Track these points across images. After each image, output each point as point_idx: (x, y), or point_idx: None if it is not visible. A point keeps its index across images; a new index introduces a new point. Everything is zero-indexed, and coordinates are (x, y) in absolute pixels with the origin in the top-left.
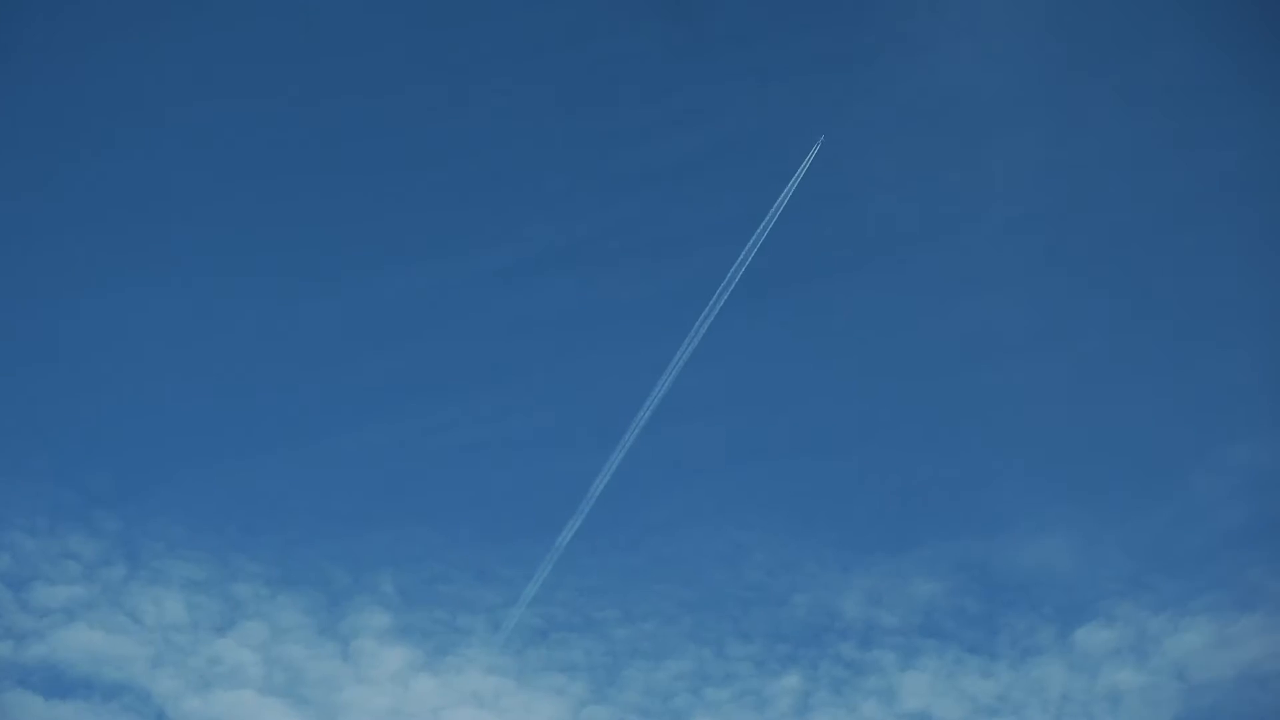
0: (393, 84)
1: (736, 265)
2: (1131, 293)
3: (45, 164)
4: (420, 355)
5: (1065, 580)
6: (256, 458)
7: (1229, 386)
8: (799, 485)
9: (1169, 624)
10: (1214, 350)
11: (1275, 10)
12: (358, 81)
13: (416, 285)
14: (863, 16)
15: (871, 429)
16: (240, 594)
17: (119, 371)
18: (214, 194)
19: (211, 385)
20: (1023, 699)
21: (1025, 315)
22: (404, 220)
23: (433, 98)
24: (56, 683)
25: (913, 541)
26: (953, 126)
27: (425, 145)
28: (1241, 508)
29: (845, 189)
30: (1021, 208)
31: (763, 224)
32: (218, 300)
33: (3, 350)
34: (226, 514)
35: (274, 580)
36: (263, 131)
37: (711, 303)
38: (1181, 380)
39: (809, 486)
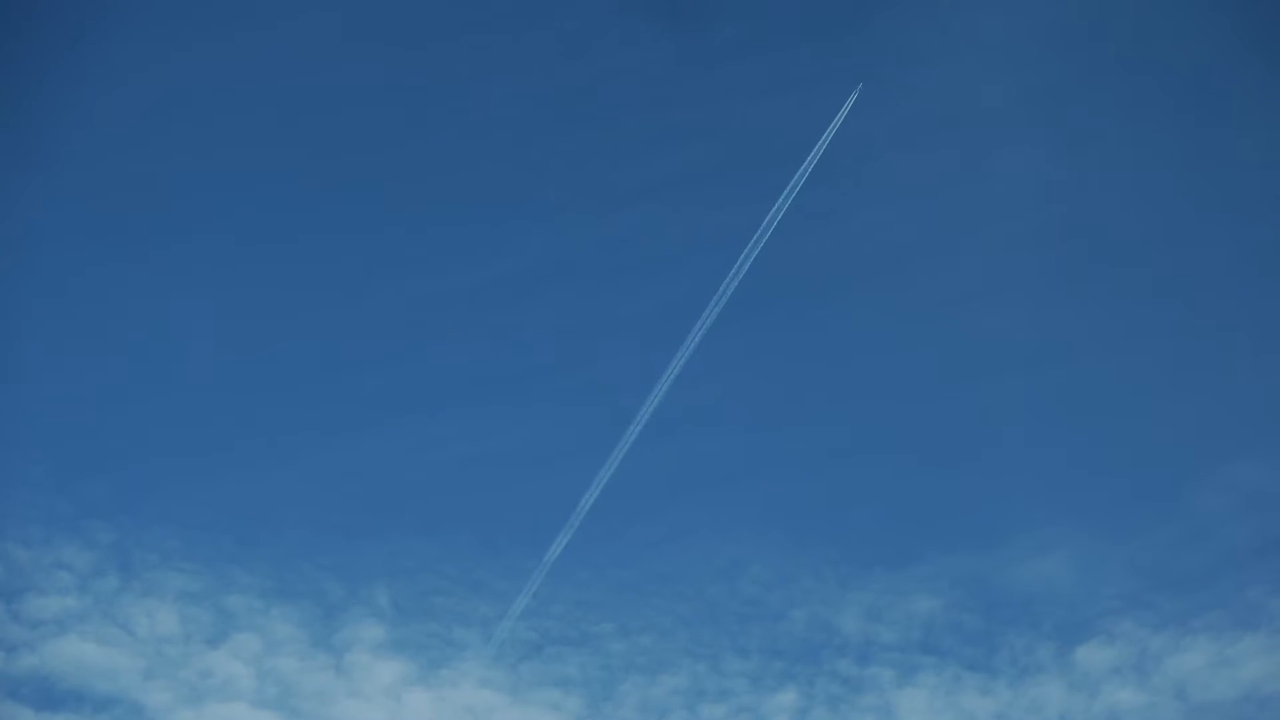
0: (387, 95)
1: (732, 277)
2: (1133, 309)
3: (43, 170)
4: (415, 367)
5: (1065, 598)
6: (251, 469)
7: (1231, 403)
8: (797, 500)
9: (1170, 643)
10: (1216, 367)
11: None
12: (352, 91)
13: (412, 297)
14: (862, 30)
15: (871, 444)
16: (233, 606)
17: (114, 382)
18: (210, 205)
19: (207, 397)
20: (1021, 717)
21: (1026, 331)
22: (399, 232)
23: (427, 109)
24: (48, 695)
25: (912, 558)
26: (953, 140)
27: (420, 157)
28: (1243, 526)
29: (843, 202)
30: (1021, 223)
31: (758, 235)
32: (213, 311)
33: None
34: (221, 526)
35: (268, 592)
36: (259, 141)
37: (707, 315)
38: (1183, 397)
39: (807, 501)
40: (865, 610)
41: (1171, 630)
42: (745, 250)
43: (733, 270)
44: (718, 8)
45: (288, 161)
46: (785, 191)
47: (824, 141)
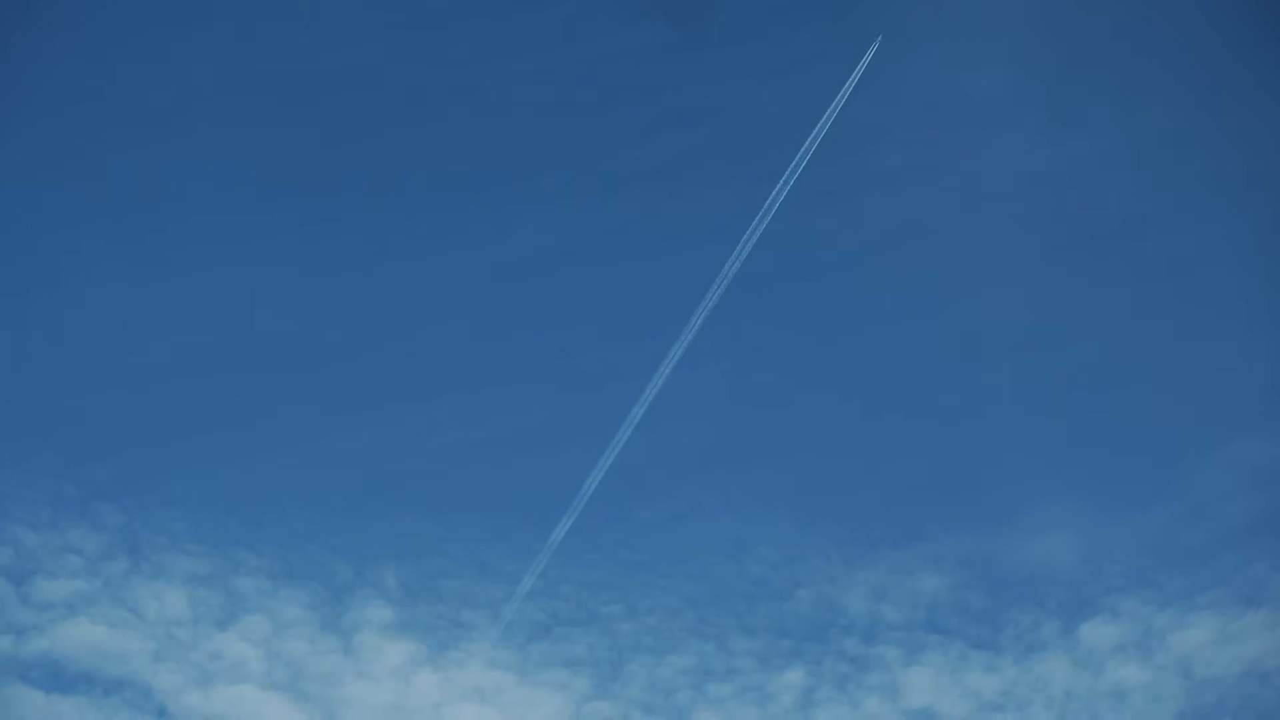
0: (384, 80)
1: (734, 259)
2: (1135, 288)
3: (45, 159)
4: (421, 351)
5: (1070, 576)
6: (259, 452)
7: (1234, 381)
8: (803, 480)
9: (1174, 620)
10: (1218, 345)
11: (1276, 8)
12: (349, 78)
13: (419, 281)
14: (860, 13)
15: (875, 424)
16: (242, 588)
17: (121, 365)
18: (213, 190)
19: (213, 379)
20: (1027, 695)
21: (1029, 311)
22: (402, 218)
23: (424, 95)
24: (57, 678)
25: (917, 536)
26: (950, 124)
27: (418, 143)
28: (1247, 503)
29: (843, 186)
30: (1021, 204)
31: (759, 217)
32: (218, 295)
33: (4, 342)
34: (229, 508)
35: (276, 574)
36: (256, 129)
37: (710, 296)
38: (1186, 375)
39: (813, 481)
40: (871, 589)
41: (1175, 607)
42: (747, 232)
43: (735, 252)
44: None
45: (290, 149)
46: (786, 173)
47: (826, 121)
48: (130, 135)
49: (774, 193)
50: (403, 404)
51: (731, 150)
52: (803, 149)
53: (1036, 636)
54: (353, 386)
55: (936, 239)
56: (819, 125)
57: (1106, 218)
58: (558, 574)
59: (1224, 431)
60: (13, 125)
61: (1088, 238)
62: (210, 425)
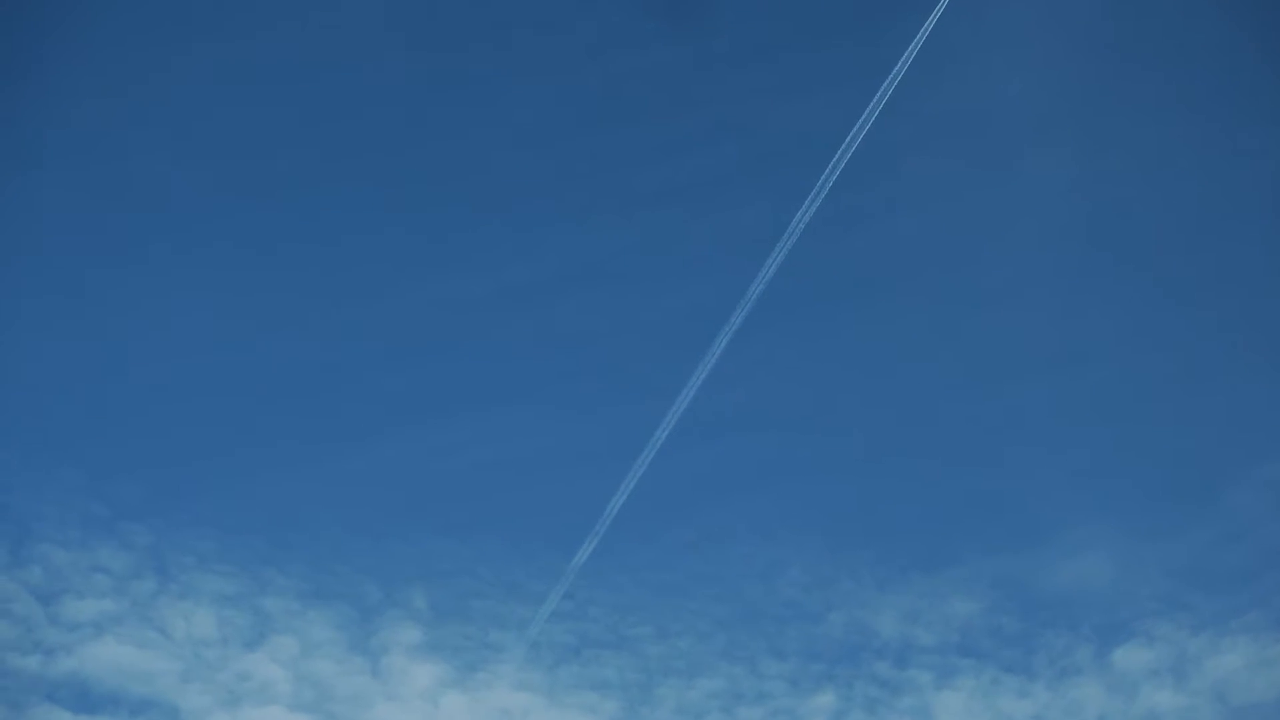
0: (412, 96)
1: (761, 279)
2: (1168, 308)
3: (66, 172)
4: (448, 370)
5: (1104, 599)
6: (288, 472)
7: (1269, 402)
8: (834, 502)
9: (1209, 644)
10: (1253, 365)
11: None
12: (377, 94)
13: (440, 300)
14: (889, 28)
15: (906, 446)
16: (271, 609)
17: (149, 384)
18: (238, 208)
19: (242, 399)
20: None
21: (1059, 331)
22: (425, 236)
23: (449, 114)
24: (85, 698)
25: (949, 560)
26: (980, 140)
27: (445, 159)
28: None
29: (870, 204)
30: (1051, 222)
31: (786, 236)
32: (246, 314)
33: (34, 362)
34: (257, 528)
35: (305, 595)
36: (283, 148)
37: (736, 317)
38: (1220, 396)
39: (844, 504)
40: (903, 613)
41: (1210, 631)
42: (774, 252)
43: (762, 271)
44: (743, 8)
45: (316, 168)
46: (813, 192)
47: (853, 139)
48: (158, 154)
49: (800, 211)
50: (430, 423)
51: (757, 168)
52: (829, 167)
53: (1070, 661)
54: (380, 406)
55: (964, 259)
56: (846, 143)
57: (1137, 236)
58: (586, 596)
59: (1259, 453)
60: (41, 143)
61: (1116, 259)
62: (238, 445)
